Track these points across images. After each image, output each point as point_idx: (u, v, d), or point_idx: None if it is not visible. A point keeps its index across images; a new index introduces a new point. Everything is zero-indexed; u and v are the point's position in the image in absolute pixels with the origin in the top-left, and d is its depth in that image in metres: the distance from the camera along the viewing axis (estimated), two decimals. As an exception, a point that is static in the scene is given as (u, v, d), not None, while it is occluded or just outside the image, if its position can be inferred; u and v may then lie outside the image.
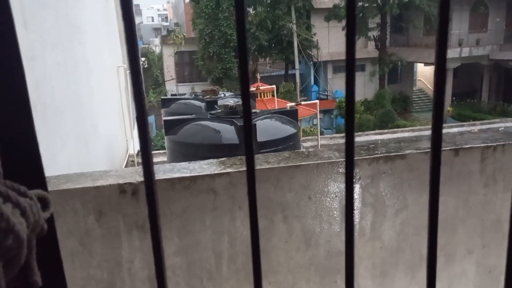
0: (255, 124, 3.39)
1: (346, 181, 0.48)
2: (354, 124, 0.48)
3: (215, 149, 3.31)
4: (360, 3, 20.55)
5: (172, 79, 26.95)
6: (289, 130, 3.78)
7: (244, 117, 0.43)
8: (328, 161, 2.02)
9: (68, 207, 1.72)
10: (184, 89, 27.15)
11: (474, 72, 23.37)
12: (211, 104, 4.87)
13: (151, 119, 15.19)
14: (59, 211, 1.71)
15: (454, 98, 23.13)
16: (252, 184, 0.45)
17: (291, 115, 4.18)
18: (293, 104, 7.97)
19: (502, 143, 2.18)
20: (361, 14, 20.90)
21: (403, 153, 2.09)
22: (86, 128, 3.74)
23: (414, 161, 2.12)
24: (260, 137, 3.44)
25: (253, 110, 4.16)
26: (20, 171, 0.43)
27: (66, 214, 1.72)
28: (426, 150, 2.11)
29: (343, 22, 22.25)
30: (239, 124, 3.52)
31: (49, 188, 1.70)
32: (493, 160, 2.18)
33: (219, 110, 4.13)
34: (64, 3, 3.01)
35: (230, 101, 4.52)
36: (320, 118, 12.93)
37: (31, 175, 0.43)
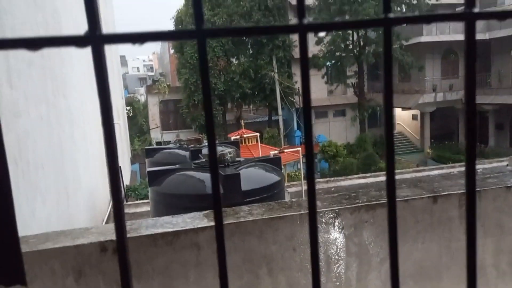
0: (239, 173, 3.41)
1: (310, 230, 0.49)
2: (314, 172, 0.51)
3: (199, 200, 3.29)
4: (337, 53, 21.55)
5: (157, 127, 27.08)
6: (273, 178, 3.81)
7: (211, 170, 0.44)
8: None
9: (46, 268, 1.67)
10: (169, 136, 27.25)
11: (450, 116, 24.28)
12: (196, 153, 4.89)
13: (135, 167, 15.05)
14: (36, 272, 1.65)
15: (432, 140, 23.80)
16: (221, 241, 0.45)
17: (274, 163, 4.23)
18: (276, 151, 8.07)
19: (479, 189, 2.24)
20: (339, 63, 21.85)
21: (384, 201, 2.13)
22: (68, 181, 3.69)
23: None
24: (245, 186, 3.45)
25: (237, 159, 4.20)
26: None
27: (44, 275, 1.66)
28: (406, 198, 2.16)
29: (323, 71, 23.17)
30: (223, 173, 3.54)
31: (27, 249, 1.66)
32: (471, 206, 2.24)
33: (203, 160, 4.15)
34: (50, 60, 3.09)
35: (214, 151, 4.54)
36: (303, 163, 13.05)
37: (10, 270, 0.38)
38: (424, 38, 21.61)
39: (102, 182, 6.19)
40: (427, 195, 2.19)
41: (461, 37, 22.56)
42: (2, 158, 0.37)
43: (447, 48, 23.55)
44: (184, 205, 3.31)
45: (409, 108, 23.84)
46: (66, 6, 4.33)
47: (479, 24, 22.73)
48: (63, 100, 3.63)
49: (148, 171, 3.71)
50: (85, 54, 6.14)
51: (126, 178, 11.34)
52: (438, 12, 0.45)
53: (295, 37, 24.87)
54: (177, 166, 3.95)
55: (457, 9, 27.04)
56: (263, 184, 3.62)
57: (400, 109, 25.18)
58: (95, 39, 0.33)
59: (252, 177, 3.66)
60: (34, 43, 0.32)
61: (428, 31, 21.97)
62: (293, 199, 2.42)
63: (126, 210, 6.86)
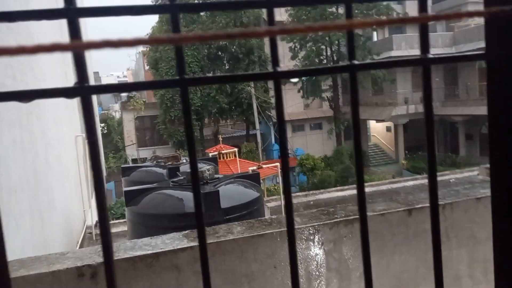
0: (218, 191, 3.41)
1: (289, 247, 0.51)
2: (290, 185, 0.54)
3: (178, 219, 3.26)
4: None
5: (133, 144, 26.67)
6: (252, 194, 3.82)
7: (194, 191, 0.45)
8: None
9: (21, 297, 1.62)
10: (145, 153, 26.85)
11: (422, 127, 24.98)
12: (173, 171, 4.86)
13: (110, 185, 14.69)
14: (11, 303, 1.60)
15: (407, 151, 24.41)
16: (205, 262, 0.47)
17: (253, 179, 4.25)
18: (255, 167, 8.10)
19: (450, 201, 2.33)
20: (314, 78, 22.25)
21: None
22: (42, 204, 3.59)
23: (372, 224, 2.20)
24: (224, 203, 3.45)
25: (216, 175, 4.19)
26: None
27: (19, 305, 1.61)
28: (382, 212, 2.22)
29: (299, 85, 23.54)
30: (202, 191, 3.52)
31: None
32: (443, 218, 2.31)
33: (181, 177, 4.12)
34: (23, 83, 3.03)
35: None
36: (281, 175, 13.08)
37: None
38: (394, 53, 22.35)
39: (77, 204, 6.03)
40: (402, 208, 2.26)
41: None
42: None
43: (417, 61, 24.39)
44: (163, 225, 3.28)
45: (383, 120, 24.45)
46: (41, 29, 4.27)
47: (446, 39, 23.72)
48: (37, 122, 3.55)
49: (125, 191, 3.65)
50: (60, 74, 6.06)
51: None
52: (396, 58, 0.49)
53: (270, 52, 25.16)
54: (155, 184, 3.91)
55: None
56: (243, 201, 3.63)
57: (375, 121, 25.78)
58: (83, 91, 0.34)
59: (232, 194, 3.66)
60: (25, 96, 0.33)
61: (398, 46, 22.75)
62: (273, 216, 2.44)
63: (103, 231, 6.68)
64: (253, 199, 3.70)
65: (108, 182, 14.76)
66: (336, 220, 2.14)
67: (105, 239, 0.39)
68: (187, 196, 3.45)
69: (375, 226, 2.19)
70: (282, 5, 0.43)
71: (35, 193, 3.27)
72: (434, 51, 22.83)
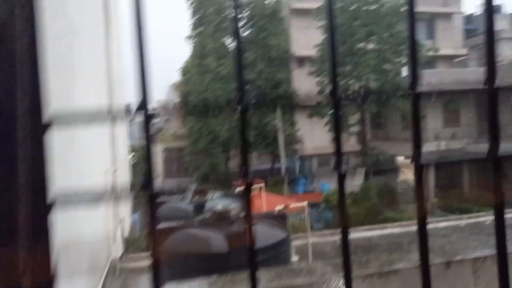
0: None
1: None
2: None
3: (204, 261, 3.20)
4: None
5: (158, 176, 27.05)
6: (279, 235, 3.73)
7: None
8: (322, 280, 1.97)
9: None
10: (171, 184, 27.14)
11: (454, 164, 24.21)
12: (199, 208, 4.84)
13: (135, 217, 14.78)
14: None
15: (437, 189, 23.55)
16: None
17: (280, 220, 4.16)
18: (281, 207, 7.98)
19: (490, 254, 2.17)
20: (341, 112, 22.15)
21: (396, 268, 2.06)
22: (70, 237, 3.62)
23: (408, 276, 2.08)
24: (250, 244, 3.37)
25: (241, 215, 4.13)
26: None
27: None
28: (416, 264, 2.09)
29: (326, 118, 23.48)
30: (228, 230, 3.47)
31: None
32: (484, 271, 2.15)
33: (207, 215, 4.08)
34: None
35: (219, 205, 4.49)
36: (308, 212, 12.83)
37: None
38: (425, 88, 22.11)
39: (103, 236, 6.08)
40: (440, 261, 2.12)
41: (461, 86, 23.08)
42: None
43: (449, 98, 24.00)
44: (188, 267, 3.22)
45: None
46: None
47: (478, 75, 23.32)
48: (71, 154, 3.66)
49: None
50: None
51: (125, 230, 11.15)
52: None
53: (297, 86, 25.59)
54: (180, 223, 3.89)
55: (455, 60, 27.89)
56: (269, 242, 3.54)
57: (403, 157, 25.17)
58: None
59: (258, 235, 3.58)
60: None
61: (428, 81, 22.50)
62: (302, 265, 2.34)
63: (126, 265, 6.66)
64: (279, 241, 3.61)
65: (133, 213, 14.85)
66: (369, 272, 2.03)
67: None
68: (213, 236, 3.40)
69: (411, 280, 2.05)
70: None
71: (65, 224, 3.31)
72: (465, 86, 22.30)
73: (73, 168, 3.88)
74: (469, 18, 33.35)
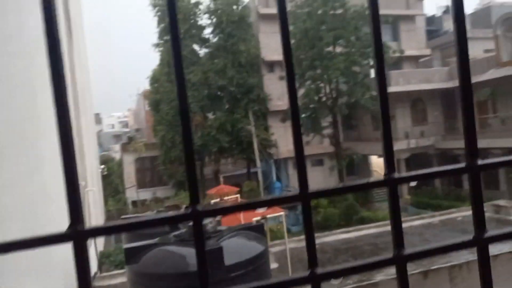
0: (222, 247, 3.27)
1: None
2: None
3: (181, 279, 3.11)
4: (312, 105, 22.17)
5: (133, 186, 26.46)
6: (257, 248, 3.68)
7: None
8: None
9: None
10: (146, 194, 26.59)
11: (424, 161, 24.93)
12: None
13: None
14: None
15: (410, 186, 24.17)
16: None
17: (257, 230, 4.11)
18: (259, 218, 7.96)
19: (466, 260, 2.21)
20: (314, 115, 22.43)
21: (374, 281, 2.06)
22: (41, 262, 3.45)
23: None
24: (228, 259, 3.30)
25: (219, 228, 4.07)
26: None
27: None
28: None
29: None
30: (207, 246, 3.38)
31: None
32: (461, 279, 2.19)
33: (183, 231, 3.99)
34: (24, 140, 2.99)
35: (194, 219, 4.40)
36: (285, 215, 12.84)
37: None
38: (392, 88, 22.66)
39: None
40: (418, 271, 2.14)
41: (427, 86, 23.82)
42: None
43: (416, 97, 24.72)
44: (165, 286, 3.12)
45: (385, 155, 24.32)
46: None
47: (443, 74, 24.14)
48: (38, 177, 3.48)
49: (125, 248, 3.52)
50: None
51: (99, 243, 10.80)
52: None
53: (269, 91, 25.67)
54: (156, 239, 3.78)
55: (419, 61, 28.79)
56: (247, 256, 3.48)
57: (376, 156, 25.71)
58: (77, 235, 0.28)
59: (235, 249, 3.52)
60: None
61: (396, 82, 23.10)
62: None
63: (100, 283, 6.43)
64: (258, 254, 3.56)
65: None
66: (349, 287, 2.02)
67: None
68: (190, 253, 3.31)
69: (391, 292, 2.05)
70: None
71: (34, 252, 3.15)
72: (431, 86, 23.08)
73: (39, 190, 3.71)
74: (430, 20, 34.60)
